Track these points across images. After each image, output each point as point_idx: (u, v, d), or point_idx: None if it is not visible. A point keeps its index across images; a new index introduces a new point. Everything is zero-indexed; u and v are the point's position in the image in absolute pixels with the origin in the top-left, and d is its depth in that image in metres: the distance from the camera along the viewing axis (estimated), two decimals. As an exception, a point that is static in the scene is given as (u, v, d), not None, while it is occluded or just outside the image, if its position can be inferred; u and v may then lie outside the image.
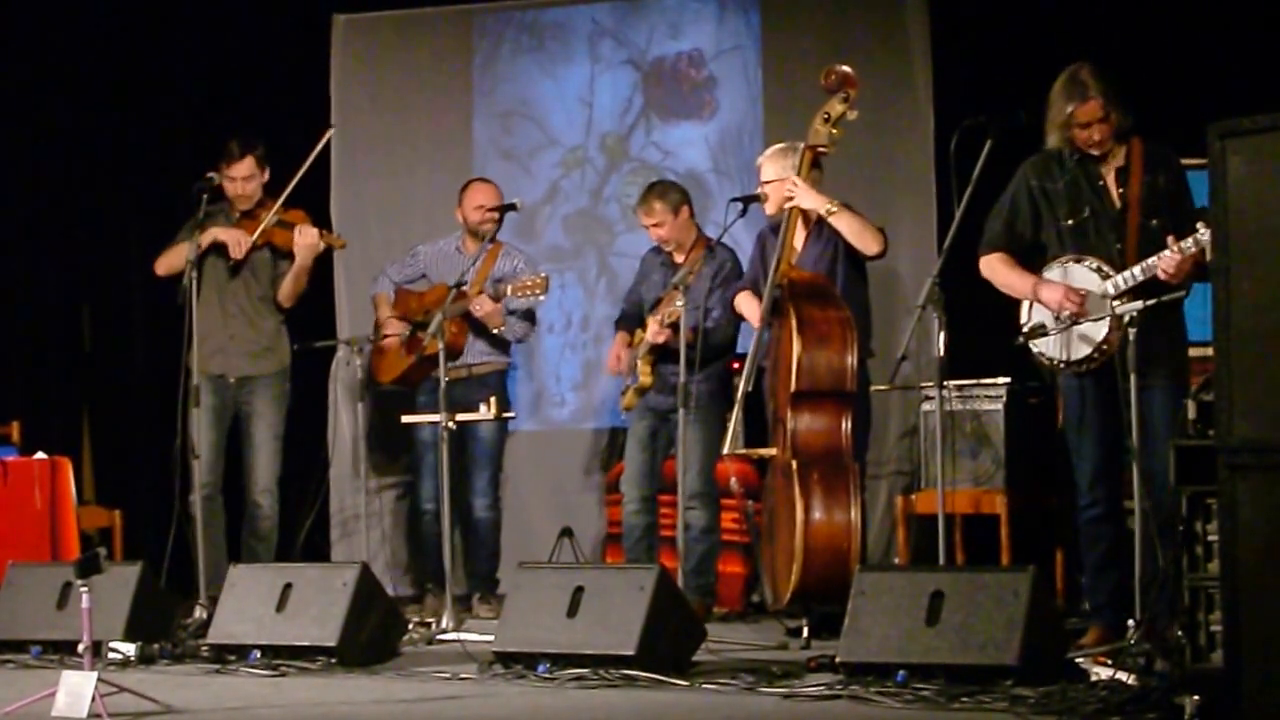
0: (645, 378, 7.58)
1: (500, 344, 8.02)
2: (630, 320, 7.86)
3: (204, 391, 7.49)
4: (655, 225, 7.64)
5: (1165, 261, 5.85)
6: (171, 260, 7.77)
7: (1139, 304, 5.78)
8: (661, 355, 7.49)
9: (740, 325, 7.43)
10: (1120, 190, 6.03)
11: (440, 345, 7.25)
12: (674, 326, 7.10)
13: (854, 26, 8.45)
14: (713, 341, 7.44)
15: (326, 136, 7.87)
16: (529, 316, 8.03)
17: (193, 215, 7.61)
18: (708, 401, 7.40)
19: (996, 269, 6.24)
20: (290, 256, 7.75)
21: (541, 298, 7.63)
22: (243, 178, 7.74)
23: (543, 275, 7.62)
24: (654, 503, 7.69)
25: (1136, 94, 6.06)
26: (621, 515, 7.77)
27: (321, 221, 8.54)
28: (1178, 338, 6.01)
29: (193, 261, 7.44)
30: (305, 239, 7.70)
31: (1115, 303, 5.93)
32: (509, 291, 7.61)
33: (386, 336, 7.98)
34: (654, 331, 7.46)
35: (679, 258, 7.63)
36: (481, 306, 7.71)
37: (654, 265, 7.79)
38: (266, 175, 7.82)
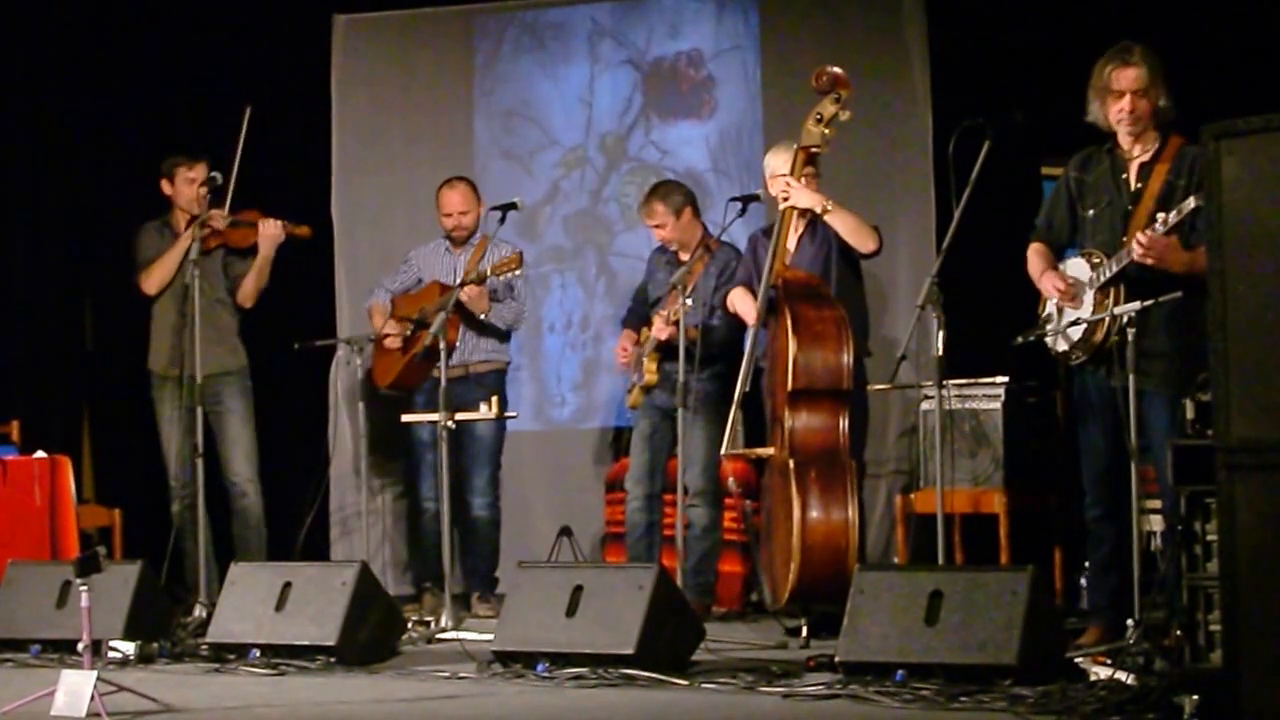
0: (650, 375, 7.60)
1: (499, 343, 8.03)
2: (637, 319, 7.88)
3: (169, 396, 7.55)
4: (657, 226, 7.67)
5: (1141, 237, 5.80)
6: (161, 275, 7.85)
7: (1136, 304, 5.79)
8: (667, 353, 7.50)
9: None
10: (1139, 184, 6.03)
11: (441, 342, 7.26)
12: (679, 324, 7.12)
13: (852, 26, 8.45)
14: (716, 339, 7.46)
15: (246, 116, 7.83)
16: (512, 293, 7.99)
17: (142, 227, 7.90)
18: (712, 400, 7.41)
19: (1030, 259, 6.30)
20: (248, 254, 7.81)
21: (518, 272, 7.67)
22: (201, 180, 7.82)
23: (517, 250, 7.70)
24: (658, 500, 7.69)
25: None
26: (623, 514, 7.77)
27: (321, 221, 8.57)
28: (1181, 343, 5.84)
29: (195, 260, 7.50)
30: (269, 230, 7.80)
31: (1100, 295, 5.96)
32: (489, 271, 7.64)
33: (387, 337, 8.00)
34: (659, 329, 7.48)
35: (684, 256, 7.64)
36: (467, 293, 7.71)
37: (660, 264, 7.81)
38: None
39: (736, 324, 7.43)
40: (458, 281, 7.77)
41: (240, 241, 7.86)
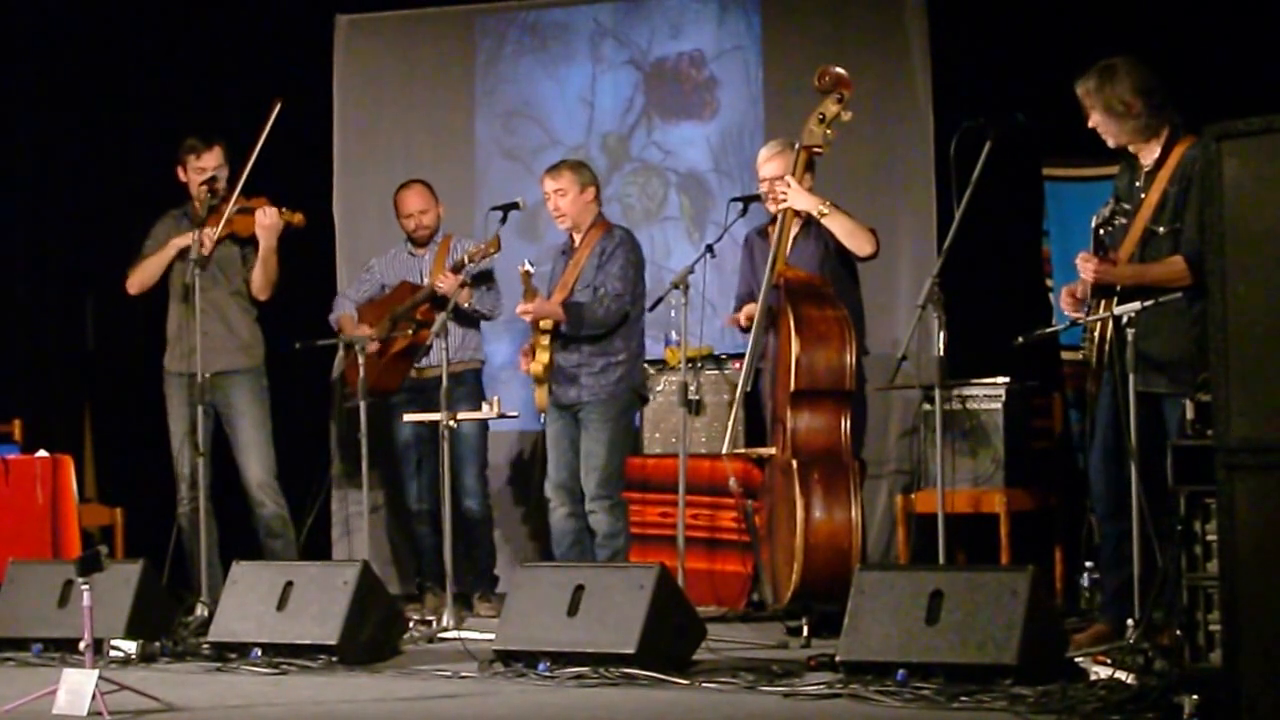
0: (537, 365, 7.43)
1: (471, 341, 8.00)
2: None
3: (177, 393, 7.51)
4: (558, 191, 7.50)
5: (1081, 261, 5.90)
6: (141, 278, 7.72)
7: (1136, 305, 5.79)
8: (562, 342, 7.38)
9: (634, 300, 7.39)
10: (1144, 195, 6.02)
11: (442, 343, 7.25)
12: (456, 268, 7.37)
13: (854, 27, 8.46)
14: (597, 317, 7.35)
15: (275, 110, 7.64)
16: (489, 281, 7.97)
17: (162, 215, 7.74)
18: (609, 395, 7.37)
19: None
20: (256, 243, 7.69)
21: (495, 256, 7.63)
22: (214, 168, 7.67)
23: (494, 235, 7.56)
24: (583, 504, 7.60)
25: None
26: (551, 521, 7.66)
27: (322, 219, 8.55)
28: (1184, 343, 5.84)
29: (197, 260, 7.46)
30: (266, 219, 7.59)
31: (1097, 302, 5.97)
32: (467, 260, 7.59)
33: (369, 342, 7.96)
34: (520, 307, 7.38)
35: (577, 238, 7.58)
36: (445, 282, 7.68)
37: (558, 258, 7.75)
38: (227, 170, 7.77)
39: (619, 301, 7.32)
40: (425, 281, 7.75)
41: (243, 230, 7.66)
